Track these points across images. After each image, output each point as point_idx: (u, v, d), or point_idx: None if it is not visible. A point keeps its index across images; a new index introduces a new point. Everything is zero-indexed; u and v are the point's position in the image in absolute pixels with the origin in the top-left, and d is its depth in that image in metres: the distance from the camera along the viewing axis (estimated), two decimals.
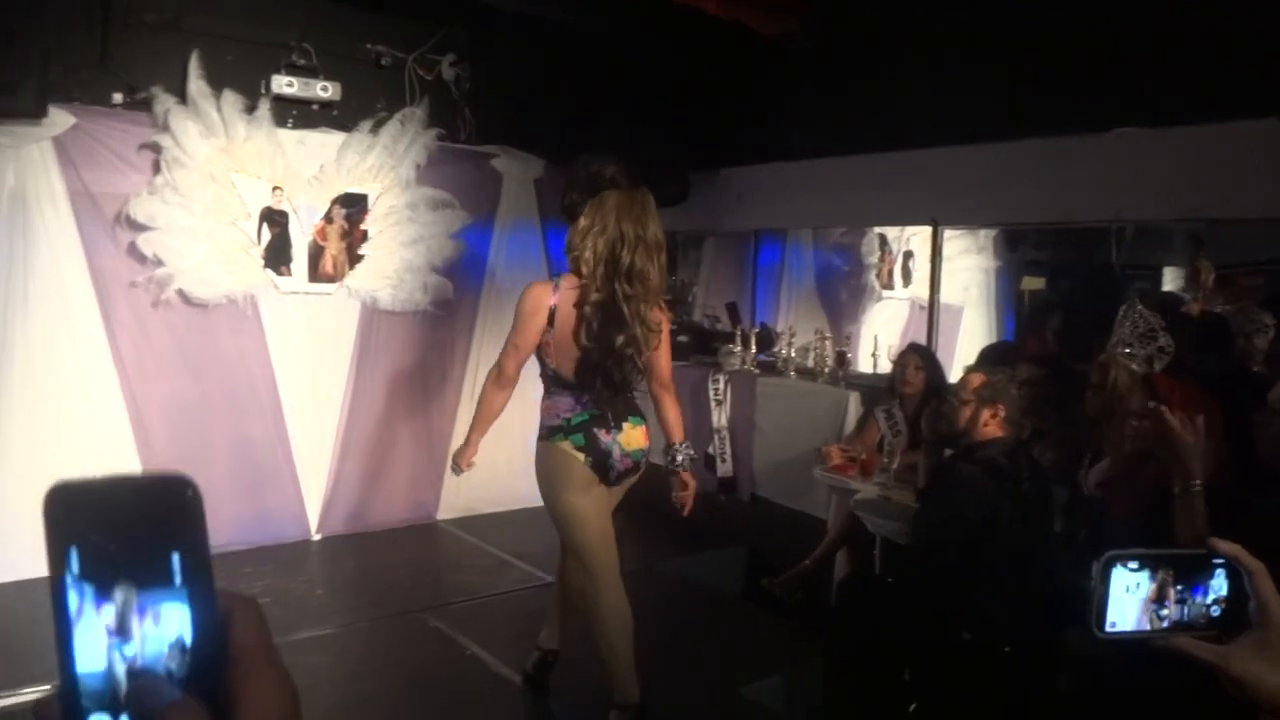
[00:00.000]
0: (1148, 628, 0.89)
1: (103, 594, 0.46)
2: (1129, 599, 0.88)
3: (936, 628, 3.06)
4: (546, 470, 3.16)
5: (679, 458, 3.27)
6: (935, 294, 5.27)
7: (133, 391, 4.76)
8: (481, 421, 3.30)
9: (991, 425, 3.14)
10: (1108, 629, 0.89)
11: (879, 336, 5.82)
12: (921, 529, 3.39)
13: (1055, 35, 4.31)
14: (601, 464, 3.10)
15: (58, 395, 4.60)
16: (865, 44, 5.17)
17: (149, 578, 0.46)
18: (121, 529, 0.46)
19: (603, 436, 3.10)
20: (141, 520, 0.47)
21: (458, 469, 3.35)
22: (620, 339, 3.03)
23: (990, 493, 2.99)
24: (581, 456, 3.08)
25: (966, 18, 4.72)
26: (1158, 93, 3.94)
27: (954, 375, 4.33)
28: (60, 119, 4.47)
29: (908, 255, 6.47)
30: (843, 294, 6.68)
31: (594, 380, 3.08)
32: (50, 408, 4.58)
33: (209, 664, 0.47)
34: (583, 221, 3.07)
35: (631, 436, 3.15)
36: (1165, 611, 0.89)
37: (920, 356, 4.60)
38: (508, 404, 3.33)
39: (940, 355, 5.02)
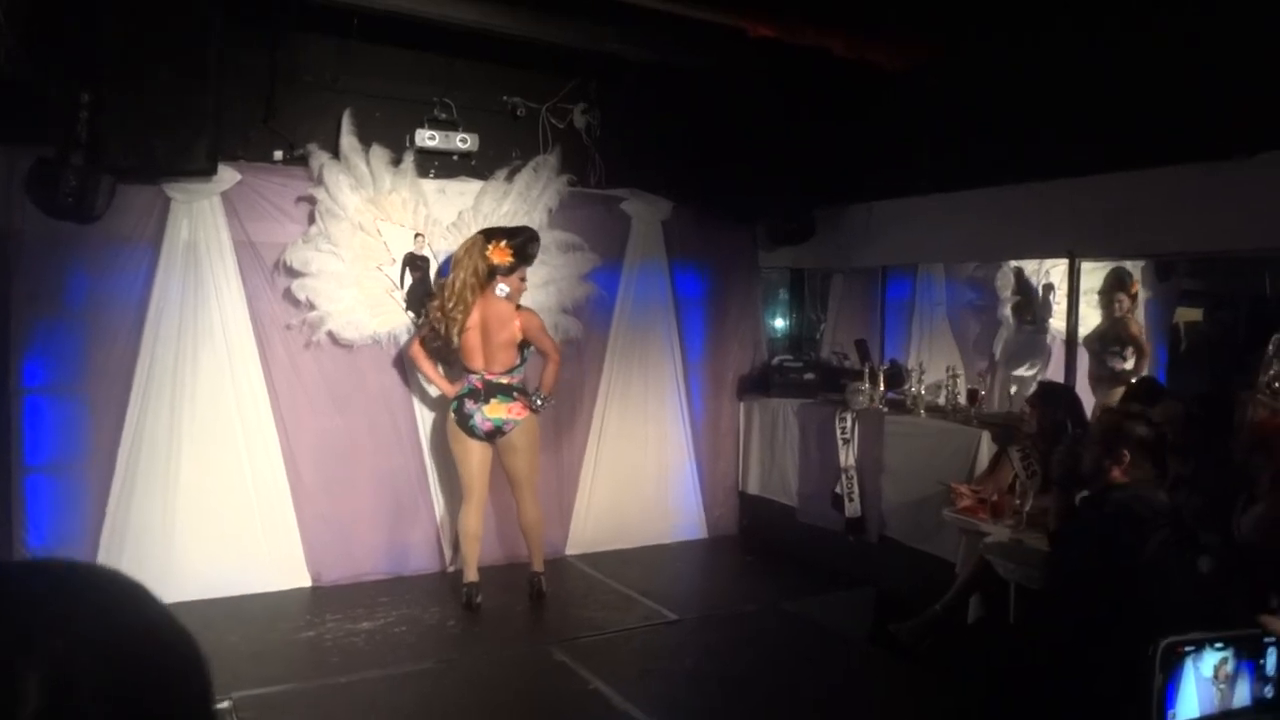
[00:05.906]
0: (1215, 709, 0.84)
1: None
2: (1202, 684, 0.84)
3: (1069, 679, 2.91)
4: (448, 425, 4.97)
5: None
6: (1074, 328, 5.06)
7: (285, 426, 5.09)
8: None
9: (1125, 467, 2.98)
10: None
11: (1014, 373, 5.59)
12: (1051, 575, 3.25)
13: (1195, 57, 4.11)
14: (465, 424, 4.86)
15: (221, 427, 4.97)
16: (992, 74, 5.05)
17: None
18: None
19: (469, 406, 4.85)
20: None
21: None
22: None
23: (1123, 539, 2.84)
24: (454, 418, 4.91)
25: (1098, 43, 4.57)
26: None
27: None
28: (228, 175, 4.89)
29: (1047, 289, 6.22)
30: (976, 329, 6.48)
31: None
32: (215, 439, 4.95)
33: None
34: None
35: (495, 409, 4.83)
36: (1236, 692, 0.85)
37: (1037, 395, 4.42)
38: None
39: (1083, 393, 4.80)
